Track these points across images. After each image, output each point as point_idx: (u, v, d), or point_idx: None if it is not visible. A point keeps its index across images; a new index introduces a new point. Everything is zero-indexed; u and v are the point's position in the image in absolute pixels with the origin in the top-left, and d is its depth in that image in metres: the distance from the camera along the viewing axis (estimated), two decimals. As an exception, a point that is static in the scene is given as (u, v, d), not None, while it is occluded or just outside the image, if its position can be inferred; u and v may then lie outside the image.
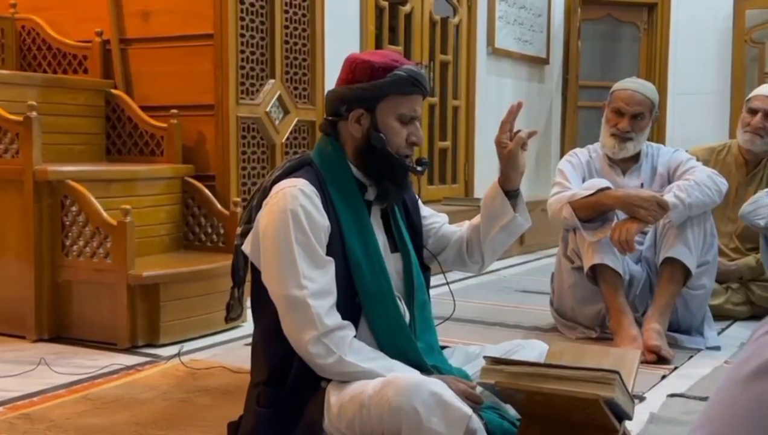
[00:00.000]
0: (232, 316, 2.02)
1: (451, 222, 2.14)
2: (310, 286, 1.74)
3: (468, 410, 1.63)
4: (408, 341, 1.85)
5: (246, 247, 1.86)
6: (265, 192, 1.86)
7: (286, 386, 1.82)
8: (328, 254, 1.79)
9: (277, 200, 1.80)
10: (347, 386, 1.74)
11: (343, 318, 1.78)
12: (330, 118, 1.91)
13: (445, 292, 2.13)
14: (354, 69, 1.86)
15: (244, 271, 1.96)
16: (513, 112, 1.95)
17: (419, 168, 1.92)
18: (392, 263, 1.93)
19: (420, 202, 2.09)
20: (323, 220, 1.79)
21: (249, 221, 1.89)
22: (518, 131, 1.95)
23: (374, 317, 1.83)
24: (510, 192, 1.98)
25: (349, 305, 1.81)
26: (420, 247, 2.03)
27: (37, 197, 3.08)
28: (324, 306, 1.75)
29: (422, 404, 1.60)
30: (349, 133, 1.88)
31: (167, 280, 3.06)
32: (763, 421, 0.67)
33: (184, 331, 3.09)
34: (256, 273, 1.86)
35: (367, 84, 1.84)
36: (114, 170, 3.46)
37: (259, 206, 1.86)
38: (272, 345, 1.84)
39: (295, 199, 1.78)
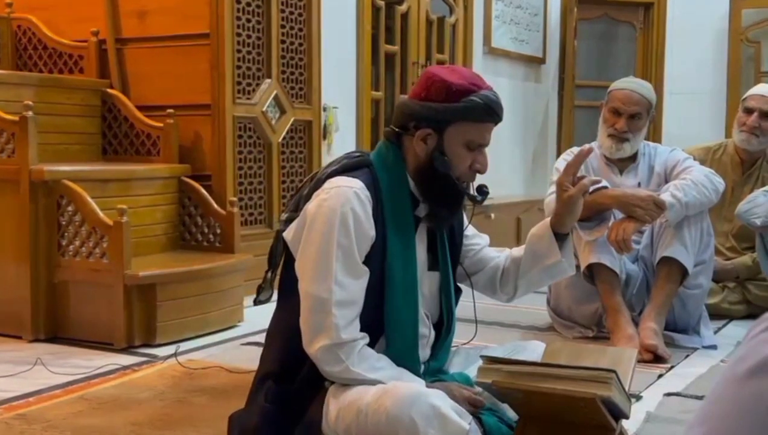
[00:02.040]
0: (262, 298, 1.98)
1: None
2: (338, 293, 1.72)
3: (465, 425, 1.61)
4: (413, 370, 1.83)
5: (288, 234, 1.83)
6: (318, 183, 1.82)
7: (294, 383, 1.81)
8: (366, 263, 1.76)
9: (330, 196, 1.76)
10: (347, 390, 1.73)
11: (366, 329, 1.76)
12: (396, 129, 1.87)
13: None
14: (430, 85, 1.81)
15: (281, 256, 1.92)
16: (582, 156, 1.92)
17: (479, 197, 1.88)
18: (427, 281, 1.91)
19: (466, 220, 2.03)
20: (370, 229, 1.77)
21: (296, 209, 1.86)
22: (582, 177, 1.91)
23: (392, 336, 1.81)
24: (559, 234, 1.94)
25: (374, 318, 1.79)
26: (456, 265, 2.00)
27: (33, 197, 3.07)
28: (346, 317, 1.72)
29: (420, 415, 1.59)
30: (412, 149, 1.84)
31: (164, 280, 3.06)
32: (761, 418, 0.67)
33: (181, 331, 3.09)
34: (290, 262, 1.83)
35: (439, 105, 1.79)
36: (110, 170, 3.45)
37: (308, 197, 1.82)
38: (290, 336, 1.80)
39: (349, 201, 1.75)
